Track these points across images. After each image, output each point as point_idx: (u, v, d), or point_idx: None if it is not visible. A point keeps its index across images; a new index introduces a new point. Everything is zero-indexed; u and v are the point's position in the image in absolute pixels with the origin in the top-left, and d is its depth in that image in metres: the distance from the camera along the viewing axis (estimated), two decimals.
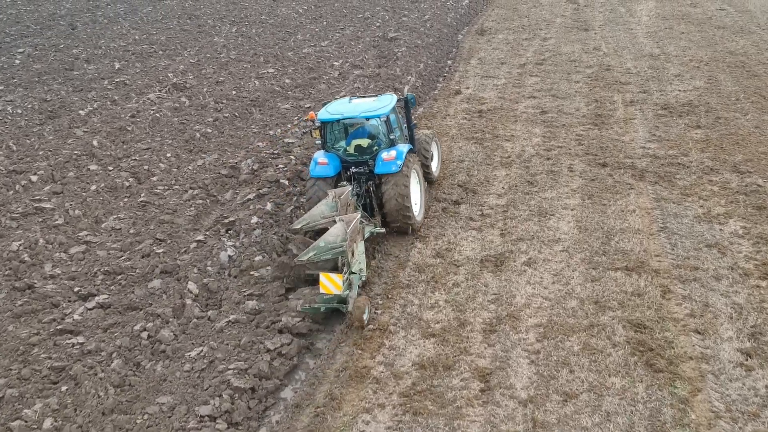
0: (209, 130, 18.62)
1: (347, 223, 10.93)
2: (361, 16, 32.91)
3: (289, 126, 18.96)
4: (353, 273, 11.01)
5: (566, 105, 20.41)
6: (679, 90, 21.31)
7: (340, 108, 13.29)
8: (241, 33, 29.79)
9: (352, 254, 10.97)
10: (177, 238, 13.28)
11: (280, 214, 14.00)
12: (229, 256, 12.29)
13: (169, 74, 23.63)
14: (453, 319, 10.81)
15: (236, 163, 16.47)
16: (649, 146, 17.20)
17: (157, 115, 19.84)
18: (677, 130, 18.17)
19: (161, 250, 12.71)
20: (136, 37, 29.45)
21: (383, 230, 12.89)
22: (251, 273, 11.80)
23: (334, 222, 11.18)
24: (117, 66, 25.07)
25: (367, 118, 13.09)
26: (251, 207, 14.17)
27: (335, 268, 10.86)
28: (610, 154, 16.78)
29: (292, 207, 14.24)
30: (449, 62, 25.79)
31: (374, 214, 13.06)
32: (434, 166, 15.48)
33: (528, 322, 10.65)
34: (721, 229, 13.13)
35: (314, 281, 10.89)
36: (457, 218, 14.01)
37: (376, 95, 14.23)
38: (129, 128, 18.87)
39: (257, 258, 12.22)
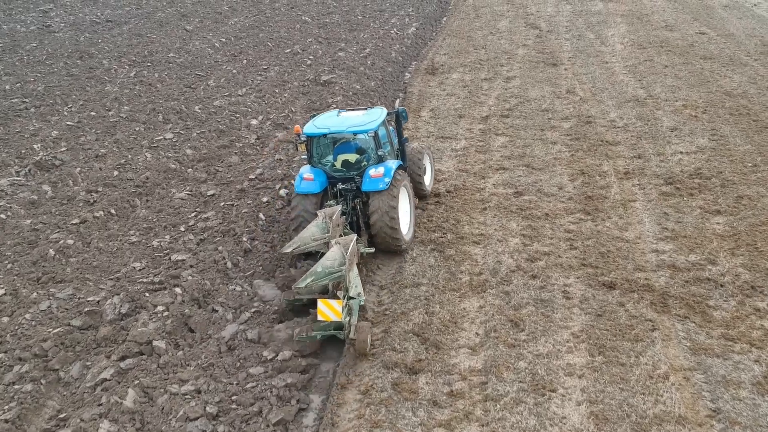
0: (70, 242, 13.96)
1: (344, 246, 10.85)
2: (289, 50, 28.56)
3: (182, 229, 14.44)
4: (352, 298, 10.85)
5: (545, 180, 16.47)
6: (681, 152, 17.65)
7: (327, 122, 13.13)
8: (140, 78, 25.04)
9: (349, 278, 10.76)
10: None
11: (145, 411, 9.47)
12: None
13: (36, 145, 18.80)
14: None
15: (98, 302, 11.90)
16: (663, 248, 13.36)
17: (4, 216, 15.05)
18: (692, 218, 14.42)
19: None
20: (7, 87, 24.38)
21: (372, 250, 12.72)
22: None
23: (326, 244, 11.30)
24: None
25: (355, 133, 13.01)
26: (104, 399, 9.63)
27: (324, 292, 10.72)
28: (614, 264, 12.86)
29: (168, 394, 9.75)
30: None
31: (361, 233, 12.90)
32: (427, 180, 15.42)
33: None
34: None
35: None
36: (414, 403, 9.75)
37: (366, 108, 14.02)
38: None
39: None
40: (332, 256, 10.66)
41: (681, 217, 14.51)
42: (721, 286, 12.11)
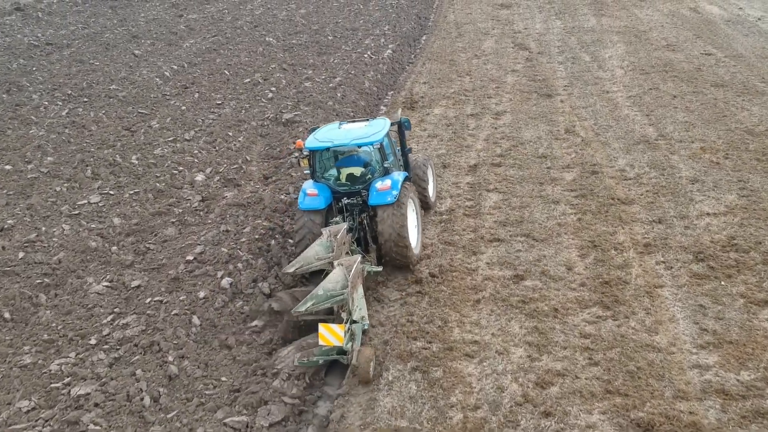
0: None
1: (347, 267, 10.64)
2: (249, 80, 25.65)
3: (93, 342, 11.47)
4: (355, 322, 10.66)
5: (550, 257, 13.75)
6: (708, 214, 15.04)
7: (329, 135, 12.90)
8: (73, 118, 22.00)
9: (352, 301, 10.48)
10: None
11: None
12: None
13: None
14: None
15: None
16: (706, 361, 10.67)
17: None
18: (736, 312, 11.77)
19: None
20: None
21: (380, 269, 12.55)
22: None
23: (331, 265, 11.09)
24: None
25: (359, 146, 12.80)
26: None
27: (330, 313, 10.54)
28: (648, 389, 10.14)
29: None
30: None
31: (368, 250, 12.76)
32: (431, 191, 15.33)
33: None
34: None
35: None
36: None
37: (368, 119, 13.81)
38: None
39: None
40: (334, 279, 10.45)
41: (721, 311, 11.83)
42: None
